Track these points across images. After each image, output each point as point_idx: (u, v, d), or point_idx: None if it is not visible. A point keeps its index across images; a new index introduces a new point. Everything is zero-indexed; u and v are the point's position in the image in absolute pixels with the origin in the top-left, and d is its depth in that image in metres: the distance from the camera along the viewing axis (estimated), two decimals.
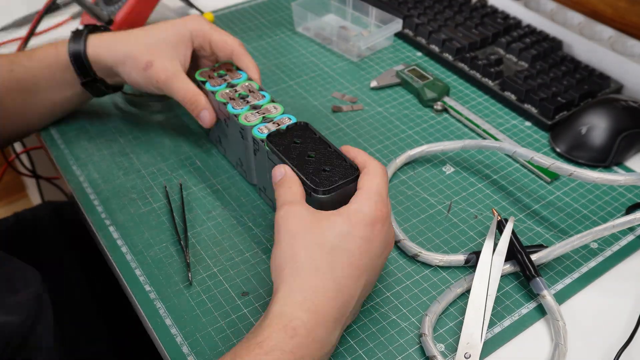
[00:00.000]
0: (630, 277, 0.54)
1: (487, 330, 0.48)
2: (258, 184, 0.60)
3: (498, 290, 0.51)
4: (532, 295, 0.52)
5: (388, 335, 0.49)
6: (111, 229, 0.58)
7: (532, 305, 0.51)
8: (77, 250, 0.76)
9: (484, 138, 0.67)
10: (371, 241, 0.44)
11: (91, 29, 0.64)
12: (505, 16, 0.84)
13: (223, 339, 0.48)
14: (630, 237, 0.57)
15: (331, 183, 0.48)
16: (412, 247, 0.54)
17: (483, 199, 0.61)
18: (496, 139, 0.66)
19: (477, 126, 0.68)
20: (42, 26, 0.84)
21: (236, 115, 0.57)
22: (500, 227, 0.54)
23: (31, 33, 0.80)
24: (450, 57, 0.78)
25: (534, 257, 0.52)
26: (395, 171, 0.63)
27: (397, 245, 0.55)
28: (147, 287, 0.52)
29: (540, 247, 0.54)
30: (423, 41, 0.82)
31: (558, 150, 0.65)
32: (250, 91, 0.60)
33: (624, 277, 0.54)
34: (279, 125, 0.55)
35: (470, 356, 0.46)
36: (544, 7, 0.85)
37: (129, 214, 0.59)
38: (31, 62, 0.63)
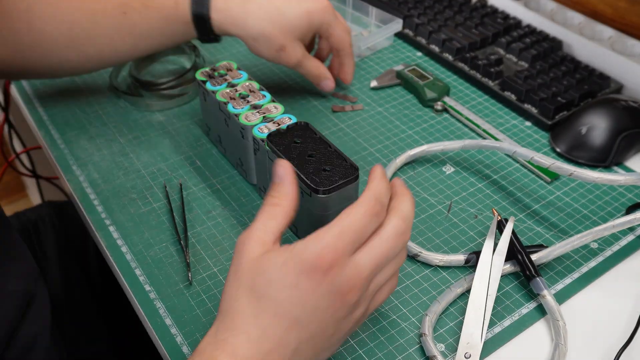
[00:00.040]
0: (630, 277, 0.54)
1: (487, 330, 0.48)
2: (258, 183, 0.60)
3: (498, 290, 0.51)
4: (532, 295, 0.52)
5: (388, 335, 0.49)
6: (111, 228, 0.58)
7: (532, 305, 0.51)
8: (77, 250, 0.76)
9: (484, 138, 0.67)
10: (306, 291, 0.37)
11: None
12: (505, 16, 0.84)
13: None
14: (630, 237, 0.57)
15: (331, 183, 0.48)
16: (413, 247, 0.54)
17: (483, 198, 0.61)
18: (496, 139, 0.66)
19: (477, 126, 0.68)
20: None
21: (236, 115, 0.57)
22: (501, 227, 0.54)
23: None
24: (450, 57, 0.78)
25: (534, 257, 0.52)
26: (395, 171, 0.63)
27: None
28: (147, 287, 0.52)
29: (540, 247, 0.54)
30: (423, 41, 0.82)
31: (558, 150, 0.65)
32: (250, 91, 0.59)
33: (624, 277, 0.54)
34: (279, 125, 0.55)
35: (470, 356, 0.46)
36: (544, 7, 0.85)
37: (129, 213, 0.59)
38: (147, 10, 0.62)
